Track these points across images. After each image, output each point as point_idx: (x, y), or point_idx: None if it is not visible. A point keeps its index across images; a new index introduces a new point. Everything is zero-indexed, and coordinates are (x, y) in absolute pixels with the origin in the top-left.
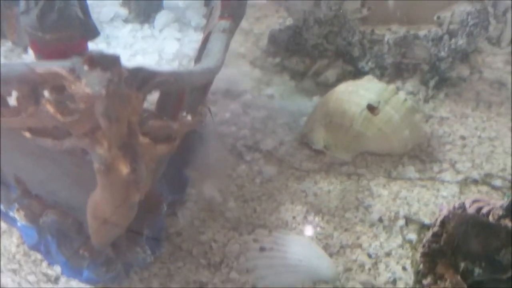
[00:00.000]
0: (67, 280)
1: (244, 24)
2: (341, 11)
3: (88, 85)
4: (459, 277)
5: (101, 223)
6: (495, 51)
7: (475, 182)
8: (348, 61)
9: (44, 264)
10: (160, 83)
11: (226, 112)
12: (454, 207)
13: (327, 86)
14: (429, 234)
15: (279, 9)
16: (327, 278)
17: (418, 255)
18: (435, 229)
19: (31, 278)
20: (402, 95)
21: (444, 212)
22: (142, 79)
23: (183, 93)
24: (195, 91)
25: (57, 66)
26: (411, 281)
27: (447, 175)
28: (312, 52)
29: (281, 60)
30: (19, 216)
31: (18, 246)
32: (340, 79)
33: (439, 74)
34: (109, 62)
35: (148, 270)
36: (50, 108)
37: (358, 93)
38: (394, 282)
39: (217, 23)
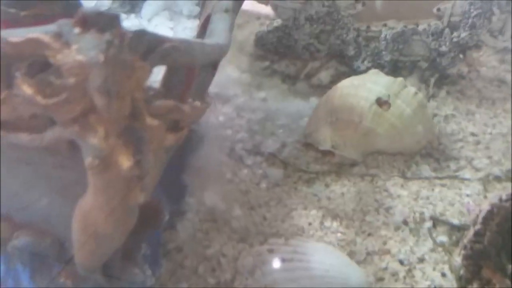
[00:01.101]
0: None
1: None
2: (333, 7)
3: (81, 51)
4: (508, 281)
5: (91, 237)
6: (497, 44)
7: (498, 179)
8: (342, 61)
9: None
10: (169, 52)
11: (219, 116)
12: (500, 199)
13: (322, 88)
14: (470, 233)
15: (260, 16)
16: None
17: (454, 259)
18: (478, 227)
19: None
20: (412, 88)
21: (486, 207)
22: (148, 44)
23: (193, 70)
24: (202, 72)
25: (38, 32)
26: None
27: (466, 173)
28: (303, 54)
29: (270, 63)
30: None
31: None
32: (335, 80)
33: (440, 71)
34: (107, 22)
35: None
36: (27, 89)
37: (365, 87)
38: None
39: (218, 3)
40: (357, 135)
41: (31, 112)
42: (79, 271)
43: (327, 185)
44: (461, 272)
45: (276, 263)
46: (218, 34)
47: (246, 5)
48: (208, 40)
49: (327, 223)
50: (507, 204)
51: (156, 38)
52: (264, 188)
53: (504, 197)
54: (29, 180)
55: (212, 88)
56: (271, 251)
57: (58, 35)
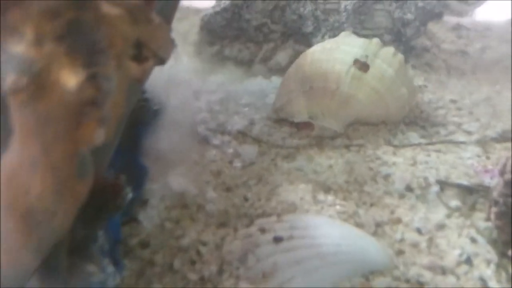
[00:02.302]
0: None
1: None
2: None
3: None
4: None
5: (21, 220)
6: (464, 9)
7: (495, 139)
8: (299, 39)
9: None
10: None
11: (173, 100)
12: None
13: (281, 71)
14: (498, 185)
15: (199, 10)
16: (381, 266)
17: (477, 222)
18: (508, 176)
19: None
20: (390, 47)
21: None
22: None
23: None
24: None
25: None
26: (490, 255)
27: (459, 137)
28: (256, 36)
29: (220, 48)
30: None
31: None
32: (293, 60)
33: (404, 43)
34: None
35: None
36: None
37: (339, 50)
38: (468, 260)
39: None
40: (335, 103)
41: None
42: (2, 283)
43: (310, 159)
44: (493, 234)
45: (273, 244)
46: None
47: (184, 2)
48: None
49: (321, 196)
50: None
51: None
52: (239, 167)
53: None
54: None
55: (162, 76)
56: (263, 230)
57: None
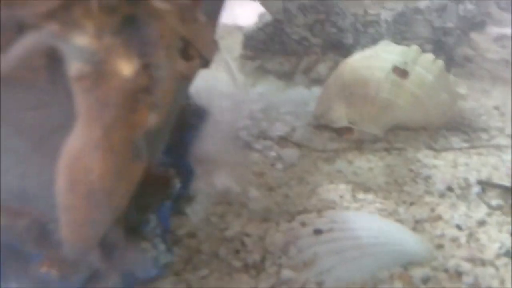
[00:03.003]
0: None
1: None
2: None
3: None
4: None
5: (84, 196)
6: (505, 18)
7: None
8: (340, 52)
9: None
10: None
11: (217, 108)
12: None
13: (321, 82)
14: None
15: (242, 28)
16: (420, 257)
17: None
18: None
19: None
20: (429, 54)
21: None
22: None
23: None
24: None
25: None
26: None
27: (501, 141)
28: (297, 49)
29: (262, 63)
30: None
31: None
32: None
33: (446, 52)
34: None
35: None
36: None
37: (378, 57)
38: (508, 253)
39: None
40: (375, 109)
41: None
42: (67, 255)
43: (350, 162)
44: None
45: (313, 236)
46: None
47: (226, 19)
48: None
49: (360, 195)
50: None
51: None
52: (280, 169)
53: None
54: None
55: (203, 89)
56: (303, 224)
57: None
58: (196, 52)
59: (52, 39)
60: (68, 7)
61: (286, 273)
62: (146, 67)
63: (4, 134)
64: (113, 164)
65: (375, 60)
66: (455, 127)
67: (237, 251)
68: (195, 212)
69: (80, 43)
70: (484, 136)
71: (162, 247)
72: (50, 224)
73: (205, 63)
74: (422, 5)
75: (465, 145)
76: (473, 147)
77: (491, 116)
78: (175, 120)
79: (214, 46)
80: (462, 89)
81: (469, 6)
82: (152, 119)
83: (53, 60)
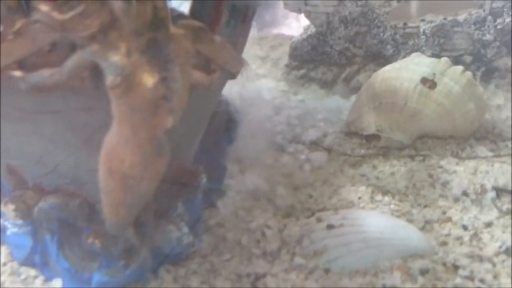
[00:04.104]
0: None
1: (259, 52)
2: (367, 6)
3: None
4: None
5: (119, 182)
6: None
7: None
8: (380, 62)
9: (39, 281)
10: None
11: (257, 114)
12: None
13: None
14: None
15: (284, 43)
16: (421, 252)
17: None
18: None
19: None
20: (459, 66)
21: None
22: None
23: (221, 4)
24: (232, 19)
25: None
26: None
27: None
28: (340, 59)
29: (306, 71)
30: (7, 212)
31: (4, 264)
32: None
33: (486, 63)
34: None
35: (183, 266)
36: (44, 7)
37: (408, 69)
38: (507, 251)
39: None
40: (403, 118)
41: (49, 39)
42: (108, 230)
43: (374, 167)
44: None
45: (325, 230)
46: None
47: (279, 29)
48: None
49: (378, 197)
50: None
51: None
52: (308, 171)
53: None
54: (55, 135)
55: (249, 95)
56: (319, 220)
57: None
58: (218, 66)
59: (94, 56)
60: (106, 32)
61: (298, 260)
62: (164, 80)
63: (62, 130)
64: (140, 156)
65: (405, 71)
66: (484, 136)
67: (258, 241)
68: (226, 205)
69: (114, 60)
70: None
71: (185, 230)
72: (97, 204)
73: (232, 75)
74: (460, 18)
75: (490, 153)
76: (497, 155)
77: None
78: (210, 125)
79: (238, 61)
80: (499, 100)
81: (508, 19)
82: (169, 121)
83: (96, 72)
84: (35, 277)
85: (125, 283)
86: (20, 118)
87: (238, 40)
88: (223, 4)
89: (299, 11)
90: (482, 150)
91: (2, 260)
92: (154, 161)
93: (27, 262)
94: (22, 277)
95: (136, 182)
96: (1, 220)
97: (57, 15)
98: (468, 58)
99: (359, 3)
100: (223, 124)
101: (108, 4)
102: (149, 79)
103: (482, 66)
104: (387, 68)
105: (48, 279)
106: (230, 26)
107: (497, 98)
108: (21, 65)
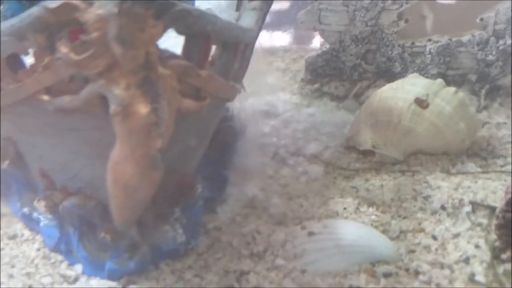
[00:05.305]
0: (87, 279)
1: (281, 64)
2: (377, 26)
3: (100, 6)
4: None
5: (122, 189)
6: None
7: None
8: (390, 79)
9: (64, 265)
10: (181, 15)
11: (266, 127)
12: None
13: None
14: (502, 203)
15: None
16: (388, 258)
17: (490, 234)
18: (508, 196)
19: (46, 280)
20: (452, 88)
21: None
22: (160, 5)
23: (209, 42)
24: (225, 52)
25: None
26: (486, 257)
27: None
28: (352, 75)
29: (320, 86)
30: (40, 207)
31: (38, 250)
32: None
33: (490, 81)
34: None
35: (181, 261)
36: (64, 49)
37: (403, 89)
38: (467, 260)
39: (246, 4)
40: (397, 135)
41: (69, 73)
42: (116, 228)
43: (366, 180)
44: (496, 243)
45: (306, 236)
46: (242, 21)
47: (302, 43)
48: (226, 19)
49: (363, 208)
50: None
51: (168, 1)
52: (303, 182)
53: None
54: (75, 147)
55: (262, 108)
56: (303, 227)
57: None
58: (207, 94)
59: (101, 89)
60: (110, 70)
61: (279, 261)
62: (155, 110)
63: (80, 145)
64: (137, 170)
65: (401, 91)
66: (476, 154)
67: (248, 243)
68: (224, 212)
69: (116, 93)
70: (500, 162)
71: (180, 230)
72: (108, 206)
73: (227, 99)
74: (465, 39)
75: (479, 169)
76: (484, 172)
77: None
78: (214, 140)
79: (229, 88)
80: (500, 118)
81: (509, 41)
82: (159, 143)
83: (105, 100)
84: (61, 261)
85: (130, 271)
86: (50, 133)
87: (231, 70)
88: (210, 45)
89: (314, 29)
90: (471, 166)
91: (37, 246)
92: (149, 174)
93: (55, 249)
94: (52, 261)
95: (135, 190)
96: (36, 214)
97: (73, 56)
98: (473, 77)
99: (369, 23)
100: (227, 139)
101: (111, 49)
102: (143, 109)
103: (487, 84)
104: (385, 87)
105: (71, 264)
106: (222, 59)
107: (498, 116)
108: (48, 91)
